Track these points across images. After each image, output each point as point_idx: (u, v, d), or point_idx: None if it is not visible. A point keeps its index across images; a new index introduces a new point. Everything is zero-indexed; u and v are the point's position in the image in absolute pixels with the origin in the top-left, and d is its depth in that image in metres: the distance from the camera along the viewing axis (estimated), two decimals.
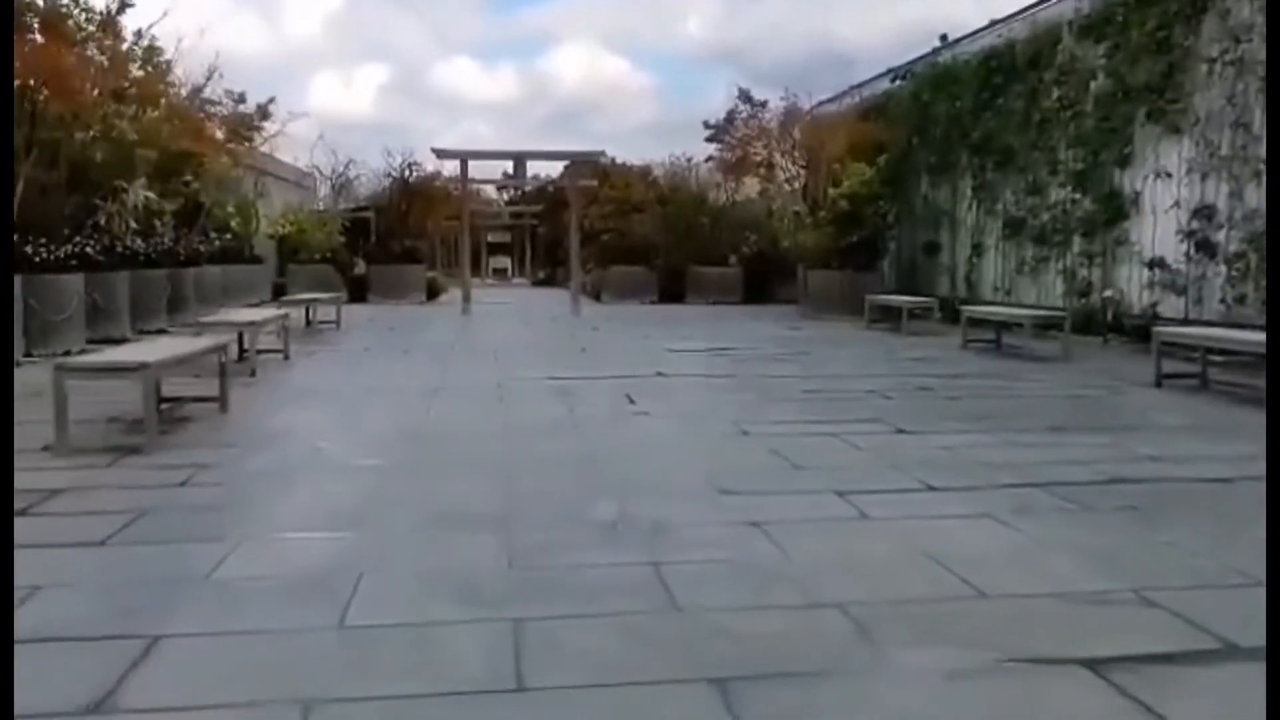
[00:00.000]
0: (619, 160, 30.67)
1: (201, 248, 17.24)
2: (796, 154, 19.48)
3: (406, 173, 27.58)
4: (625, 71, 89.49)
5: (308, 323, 15.25)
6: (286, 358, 11.43)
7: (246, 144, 16.90)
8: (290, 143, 25.08)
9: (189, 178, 16.05)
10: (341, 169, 27.49)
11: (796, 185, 19.94)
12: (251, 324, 10.09)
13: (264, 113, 17.16)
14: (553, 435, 6.84)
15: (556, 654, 3.09)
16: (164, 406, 7.54)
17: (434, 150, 20.33)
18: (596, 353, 12.60)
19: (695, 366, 11.08)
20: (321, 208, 27.40)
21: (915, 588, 3.71)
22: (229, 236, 21.96)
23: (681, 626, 3.33)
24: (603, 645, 3.17)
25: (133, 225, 12.70)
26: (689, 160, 26.53)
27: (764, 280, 25.11)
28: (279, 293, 23.50)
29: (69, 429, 6.01)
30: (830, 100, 21.85)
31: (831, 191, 18.64)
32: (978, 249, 17.93)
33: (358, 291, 24.94)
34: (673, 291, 25.19)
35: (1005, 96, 16.82)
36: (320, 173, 27.87)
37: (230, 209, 22.19)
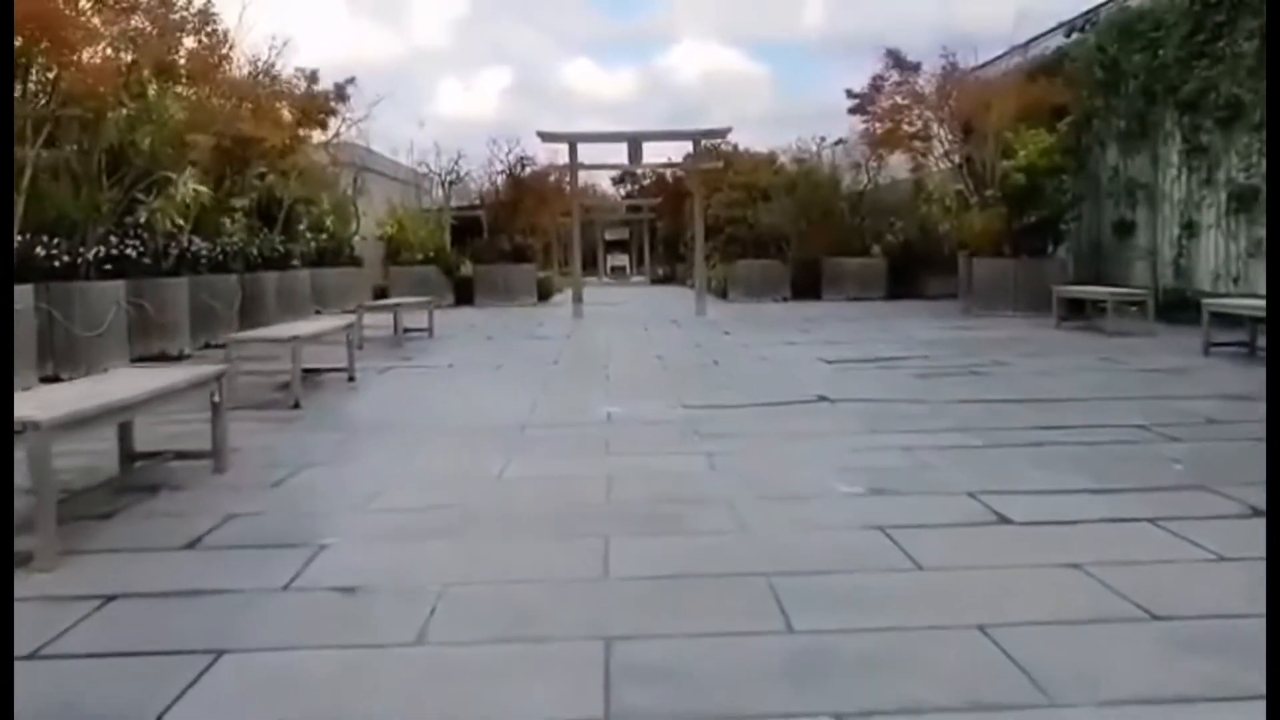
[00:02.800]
0: (741, 148, 28.07)
1: (284, 248, 15.36)
2: (955, 123, 16.52)
3: (517, 167, 25.56)
4: (742, 65, 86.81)
5: (396, 331, 13.12)
6: (352, 379, 9.25)
7: (320, 129, 14.90)
8: (386, 133, 23.44)
9: (263, 169, 14.13)
10: (452, 165, 25.62)
11: (956, 159, 16.98)
12: (295, 339, 7.88)
13: (341, 94, 15.16)
14: (690, 524, 4.34)
15: None
16: (138, 463, 5.34)
17: (539, 134, 18.08)
18: (733, 366, 10.07)
19: (867, 387, 8.44)
20: (431, 207, 25.58)
21: None
22: (325, 237, 20.33)
23: None
24: None
25: (179, 223, 10.69)
26: (822, 140, 23.78)
27: (911, 272, 22.24)
28: (381, 297, 21.77)
29: None
30: (989, 63, 18.75)
31: (1004, 164, 15.65)
32: (1189, 228, 14.69)
33: (464, 294, 23.03)
34: (807, 287, 22.52)
35: (1230, 38, 13.58)
36: (430, 169, 26.02)
37: (326, 207, 20.50)
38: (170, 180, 10.52)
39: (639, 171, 48.90)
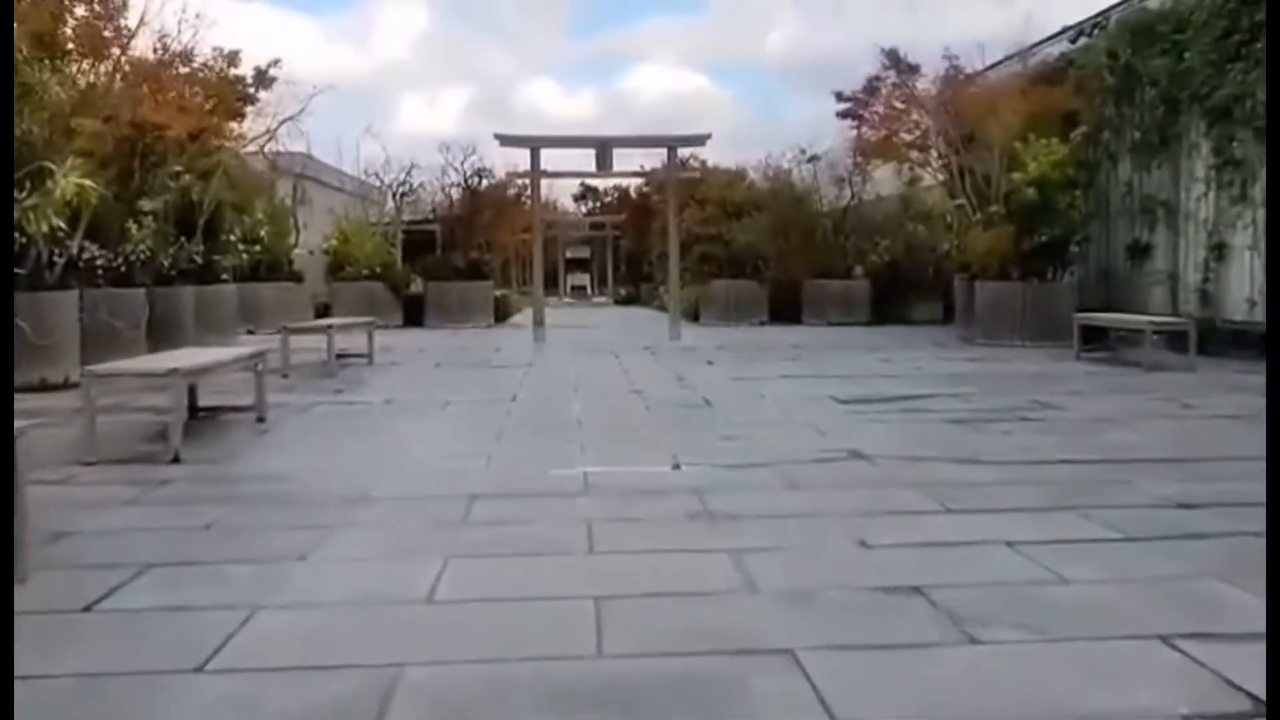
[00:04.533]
0: (710, 164, 26.45)
1: (202, 260, 13.46)
2: (957, 131, 15.01)
3: (474, 179, 23.79)
4: (706, 89, 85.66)
5: (329, 358, 11.27)
6: (261, 420, 7.44)
7: (237, 121, 12.96)
8: (339, 144, 21.63)
9: (178, 169, 12.25)
10: (404, 176, 23.78)
11: (956, 171, 15.47)
12: (175, 372, 6.06)
13: (262, 79, 13.20)
14: (747, 709, 2.62)
15: None
16: None
17: (498, 136, 16.33)
18: (728, 406, 8.36)
19: (903, 438, 6.79)
20: (380, 220, 23.71)
21: None
22: (258, 249, 18.45)
23: None
24: None
25: (59, 225, 8.82)
26: (802, 152, 22.22)
27: (896, 295, 20.73)
28: (323, 315, 19.89)
29: None
30: (989, 68, 17.31)
31: (1015, 177, 14.15)
32: (1217, 250, 13.26)
33: (414, 313, 21.17)
34: (785, 310, 20.92)
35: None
36: (381, 180, 24.16)
37: (260, 215, 18.62)
38: (49, 172, 8.65)
39: (602, 187, 47.56)
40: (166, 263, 12.46)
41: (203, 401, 7.86)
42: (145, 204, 11.74)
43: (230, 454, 6.27)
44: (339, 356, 12.21)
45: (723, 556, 3.91)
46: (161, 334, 11.99)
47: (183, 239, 13.17)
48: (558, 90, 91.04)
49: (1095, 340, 13.21)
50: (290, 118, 15.16)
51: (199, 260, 13.11)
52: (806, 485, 5.27)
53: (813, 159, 22.30)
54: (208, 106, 11.72)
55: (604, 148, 16.17)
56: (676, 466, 5.74)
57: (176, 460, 5.87)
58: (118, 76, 10.17)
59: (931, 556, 3.93)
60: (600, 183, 47.63)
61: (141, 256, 11.78)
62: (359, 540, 4.24)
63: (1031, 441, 6.52)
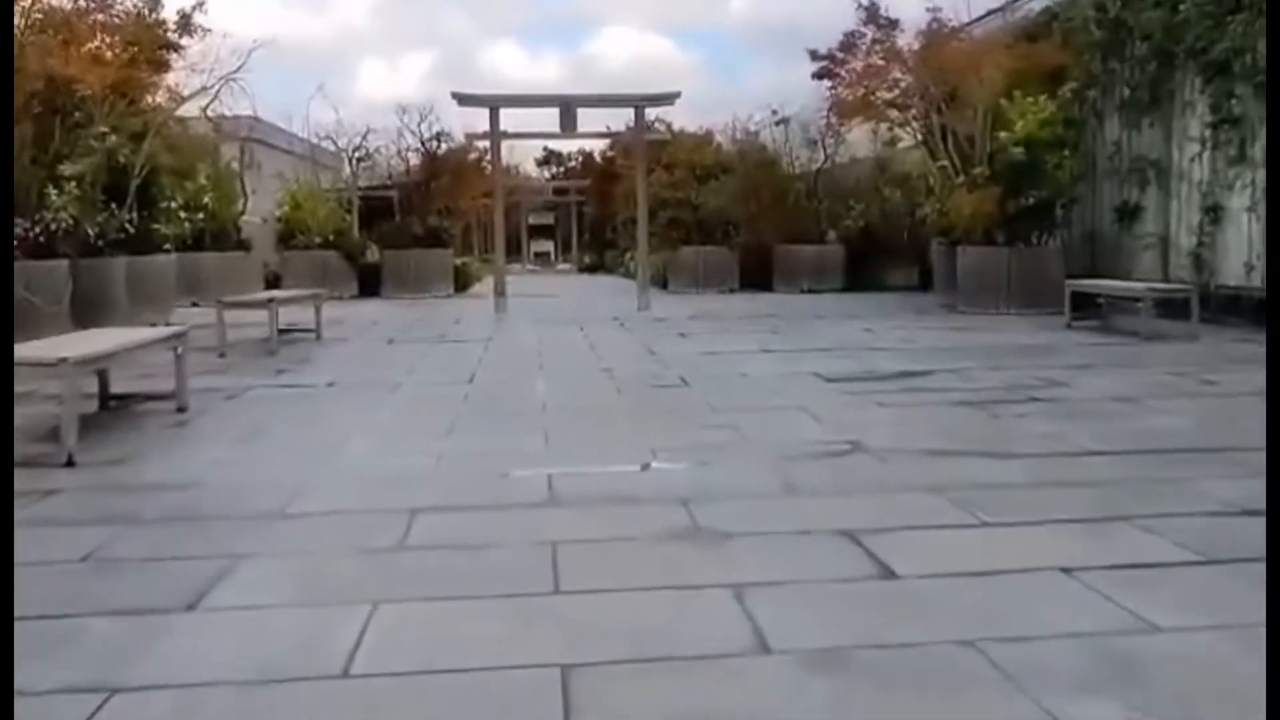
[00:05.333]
0: (677, 128, 25.52)
1: (134, 229, 12.44)
2: (940, 89, 14.21)
3: (433, 143, 22.68)
4: (672, 52, 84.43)
5: (271, 334, 10.35)
6: (181, 410, 6.57)
7: (157, 72, 11.80)
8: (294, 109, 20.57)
9: (104, 129, 11.19)
10: (360, 141, 22.62)
11: (937, 131, 14.70)
12: (63, 362, 5.16)
13: (187, 25, 12.02)
14: None
15: None
16: None
17: (455, 95, 15.31)
18: (706, 385, 7.58)
19: (906, 425, 6.06)
20: (332, 185, 22.60)
21: None
22: (201, 217, 17.42)
23: None
24: None
25: None
26: (774, 114, 21.37)
27: (871, 261, 20.04)
28: (274, 286, 18.89)
29: None
30: (969, 25, 16.50)
31: (1002, 136, 13.41)
32: (1212, 213, 12.61)
33: (370, 284, 20.18)
34: (756, 276, 20.18)
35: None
36: (336, 144, 22.99)
37: (203, 181, 17.55)
38: None
39: (566, 151, 46.39)
40: (93, 232, 11.44)
41: (121, 387, 6.98)
42: (67, 168, 10.71)
43: (137, 454, 5.41)
44: (284, 332, 11.31)
45: (721, 595, 3.13)
46: (88, 310, 11.03)
47: (112, 206, 12.13)
48: (520, 54, 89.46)
49: (1084, 307, 12.57)
50: (231, 75, 14.05)
51: (131, 229, 12.08)
52: (808, 489, 4.51)
53: (783, 121, 21.48)
54: (126, 56, 10.63)
55: (568, 108, 15.24)
56: (651, 466, 4.96)
57: (70, 464, 5.01)
58: (24, 24, 9.13)
59: (976, 592, 3.18)
60: (564, 146, 46.53)
61: (64, 225, 10.79)
62: (267, 577, 3.41)
63: (1054, 428, 5.80)
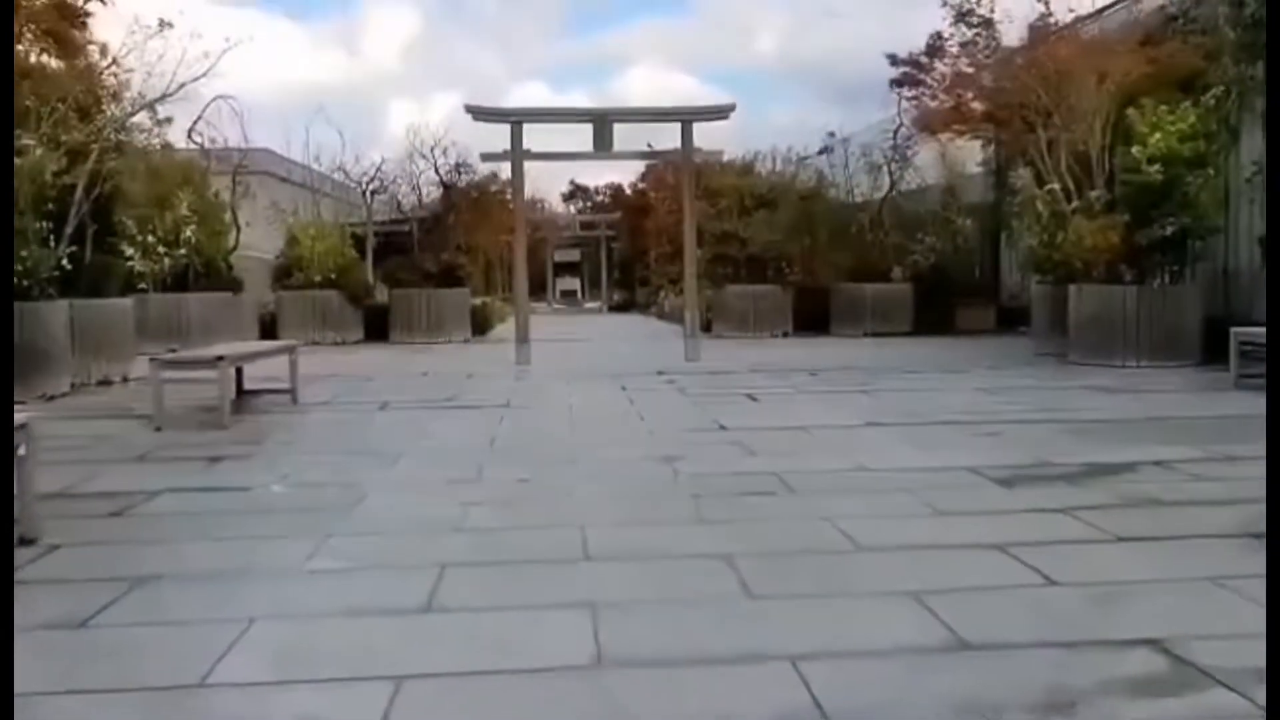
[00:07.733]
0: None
1: (72, 266, 10.21)
2: (1053, 97, 11.84)
3: (452, 175, 20.52)
4: (696, 90, 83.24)
5: (222, 398, 7.97)
6: (27, 543, 4.21)
7: (63, 52, 9.58)
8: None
9: (27, 140, 9.00)
10: (373, 173, 20.48)
11: (1045, 148, 12.31)
12: None
13: None
14: None
15: None
16: None
17: (468, 108, 13.07)
18: (827, 499, 5.16)
19: (1181, 595, 3.63)
20: (335, 217, 20.44)
21: None
22: (183, 253, 15.31)
23: None
24: None
25: None
26: (831, 136, 19.09)
27: (941, 300, 17.66)
28: (270, 333, 16.73)
29: None
30: (1071, 25, 14.14)
31: (1134, 152, 10.99)
32: None
33: (377, 326, 17.95)
34: (809, 318, 17.84)
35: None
36: (349, 177, 20.82)
37: (185, 212, 15.42)
38: None
39: (594, 186, 44.33)
40: (19, 269, 9.21)
41: None
42: None
43: None
44: (252, 393, 9.09)
45: None
46: (23, 365, 8.76)
47: (50, 238, 9.92)
48: (548, 93, 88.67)
49: (1222, 357, 10.14)
50: (197, 78, 11.85)
51: (68, 266, 9.84)
52: None
53: (842, 142, 19.21)
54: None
55: (602, 122, 12.96)
56: (787, 676, 2.56)
57: None
58: None
59: None
60: (591, 180, 44.61)
61: None
62: None
63: None
